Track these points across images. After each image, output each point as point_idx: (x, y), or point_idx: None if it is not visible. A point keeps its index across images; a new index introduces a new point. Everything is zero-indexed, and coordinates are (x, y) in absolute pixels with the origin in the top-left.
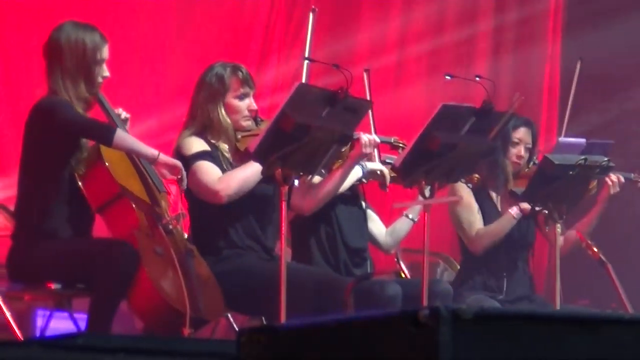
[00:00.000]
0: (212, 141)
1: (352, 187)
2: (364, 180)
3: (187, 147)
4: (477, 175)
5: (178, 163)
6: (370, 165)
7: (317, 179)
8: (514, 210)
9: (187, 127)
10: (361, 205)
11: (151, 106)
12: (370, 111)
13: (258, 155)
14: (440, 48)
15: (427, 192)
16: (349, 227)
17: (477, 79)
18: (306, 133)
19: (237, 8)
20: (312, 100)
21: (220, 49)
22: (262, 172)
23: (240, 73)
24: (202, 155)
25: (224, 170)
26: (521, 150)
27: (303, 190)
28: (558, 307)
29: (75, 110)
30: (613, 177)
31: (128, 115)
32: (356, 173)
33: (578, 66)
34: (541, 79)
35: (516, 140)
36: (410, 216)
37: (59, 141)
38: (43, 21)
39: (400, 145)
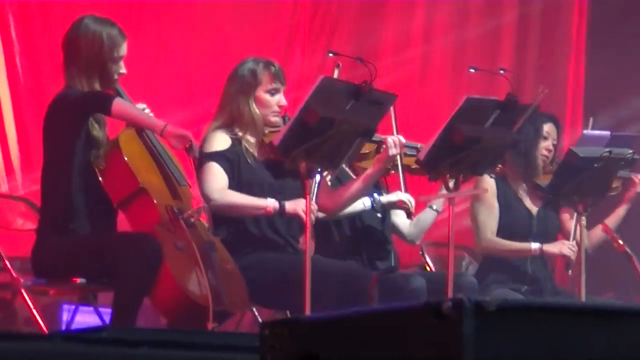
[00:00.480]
0: (239, 134)
1: (375, 182)
2: (378, 214)
3: (208, 143)
4: (499, 166)
5: (186, 132)
6: (386, 199)
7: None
8: (534, 246)
9: (216, 119)
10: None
11: (174, 100)
12: (392, 110)
13: (282, 149)
14: (465, 41)
15: (451, 185)
16: (371, 220)
17: (502, 72)
18: (330, 126)
19: (262, 2)
20: (336, 94)
21: (245, 43)
22: (286, 166)
23: (272, 68)
24: (216, 156)
25: (244, 166)
26: (550, 144)
27: (327, 191)
28: (584, 299)
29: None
30: None
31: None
32: (362, 202)
33: None
34: (566, 71)
35: (545, 134)
36: (434, 207)
37: (72, 129)
38: (70, 17)
39: None
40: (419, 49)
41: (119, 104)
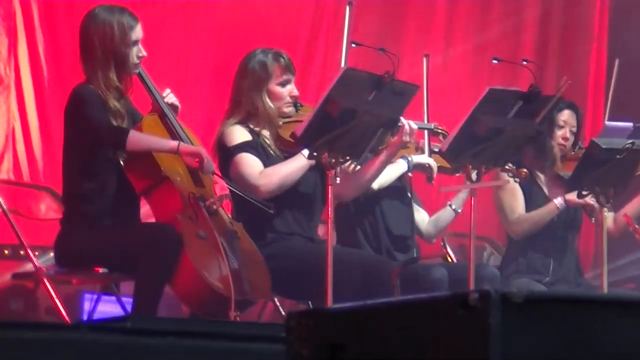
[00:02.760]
0: (256, 129)
1: (400, 176)
2: (409, 173)
3: (230, 137)
4: (525, 170)
5: (199, 150)
6: (417, 159)
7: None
8: (557, 201)
9: (232, 115)
10: (407, 194)
11: (201, 91)
12: (425, 95)
13: (304, 140)
14: (488, 32)
15: (473, 176)
16: (393, 215)
17: (524, 62)
18: (352, 117)
19: None
20: (358, 85)
21: (268, 36)
22: (309, 157)
23: (282, 60)
24: (244, 147)
25: (266, 160)
26: (566, 132)
27: (343, 177)
28: (605, 291)
29: (100, 108)
30: None
31: (177, 104)
32: (402, 166)
33: (616, 65)
34: (587, 62)
35: (561, 123)
36: (454, 207)
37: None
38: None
39: (440, 131)
40: (441, 38)
41: (134, 140)
